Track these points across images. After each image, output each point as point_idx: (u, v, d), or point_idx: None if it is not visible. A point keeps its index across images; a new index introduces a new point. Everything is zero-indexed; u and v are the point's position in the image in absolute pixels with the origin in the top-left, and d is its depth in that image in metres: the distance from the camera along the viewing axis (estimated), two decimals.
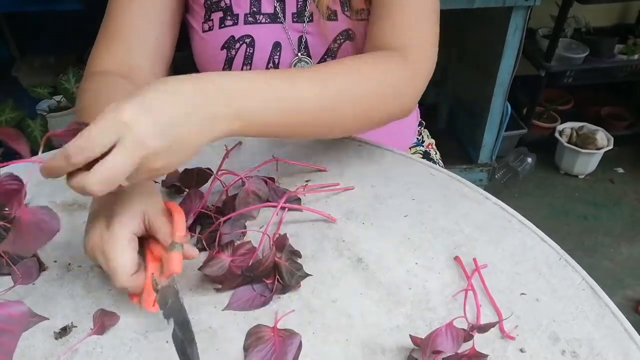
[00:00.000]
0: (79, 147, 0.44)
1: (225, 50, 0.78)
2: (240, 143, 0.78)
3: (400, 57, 0.68)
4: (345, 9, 0.77)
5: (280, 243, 0.60)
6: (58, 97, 1.82)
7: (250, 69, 0.79)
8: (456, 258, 0.62)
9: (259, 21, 0.78)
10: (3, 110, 1.64)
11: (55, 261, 0.61)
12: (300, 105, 0.58)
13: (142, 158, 0.45)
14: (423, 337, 0.51)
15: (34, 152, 0.78)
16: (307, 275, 0.59)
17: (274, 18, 0.78)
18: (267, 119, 0.55)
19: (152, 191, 0.57)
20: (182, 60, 0.82)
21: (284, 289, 0.57)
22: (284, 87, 0.56)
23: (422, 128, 1.10)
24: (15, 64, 2.15)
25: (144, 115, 0.45)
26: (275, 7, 0.78)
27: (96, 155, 0.44)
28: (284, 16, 0.78)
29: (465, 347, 0.51)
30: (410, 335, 0.51)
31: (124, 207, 0.53)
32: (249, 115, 0.53)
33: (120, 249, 0.51)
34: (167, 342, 0.53)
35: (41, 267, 0.60)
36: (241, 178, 0.68)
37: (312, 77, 0.58)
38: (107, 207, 0.54)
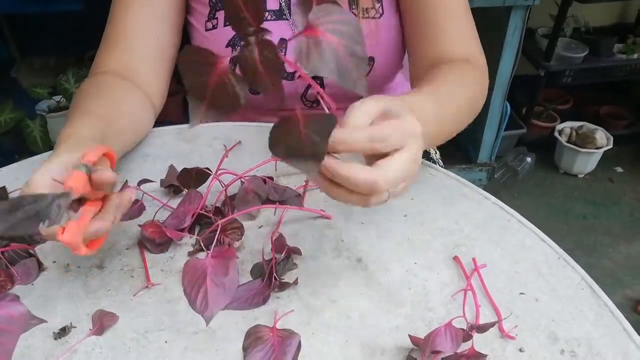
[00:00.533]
0: (384, 136, 0.47)
1: (230, 48, 0.78)
2: (239, 142, 0.78)
3: (471, 64, 0.74)
4: (353, 7, 0.77)
5: (279, 243, 0.60)
6: (57, 98, 1.82)
7: None
8: (455, 258, 0.62)
9: (264, 18, 0.78)
10: (3, 110, 1.64)
11: (54, 262, 0.61)
12: (450, 120, 0.66)
13: (415, 162, 0.49)
14: (422, 337, 0.51)
15: (34, 153, 0.79)
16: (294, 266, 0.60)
17: (279, 15, 0.78)
18: (434, 133, 0.61)
19: (80, 137, 0.56)
20: None
21: (282, 286, 0.57)
22: (442, 112, 0.62)
23: None
24: (15, 65, 2.15)
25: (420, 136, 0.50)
26: (280, 3, 0.78)
27: (388, 150, 0.47)
28: (290, 12, 0.78)
29: (464, 347, 0.51)
30: (409, 335, 0.51)
31: (50, 157, 0.52)
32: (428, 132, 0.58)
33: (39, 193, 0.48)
34: (166, 342, 0.53)
35: (40, 267, 0.60)
36: (240, 177, 0.68)
37: (449, 98, 0.65)
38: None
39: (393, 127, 0.47)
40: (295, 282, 0.58)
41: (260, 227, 0.65)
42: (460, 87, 0.69)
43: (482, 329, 0.52)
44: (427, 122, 0.54)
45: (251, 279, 0.59)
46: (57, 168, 0.50)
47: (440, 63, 0.74)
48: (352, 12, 0.78)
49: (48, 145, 1.65)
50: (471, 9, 0.80)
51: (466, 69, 0.72)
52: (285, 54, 0.79)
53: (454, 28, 0.75)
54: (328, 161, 0.46)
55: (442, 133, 0.65)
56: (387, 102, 0.50)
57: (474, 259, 0.61)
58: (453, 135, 0.69)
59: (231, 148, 0.77)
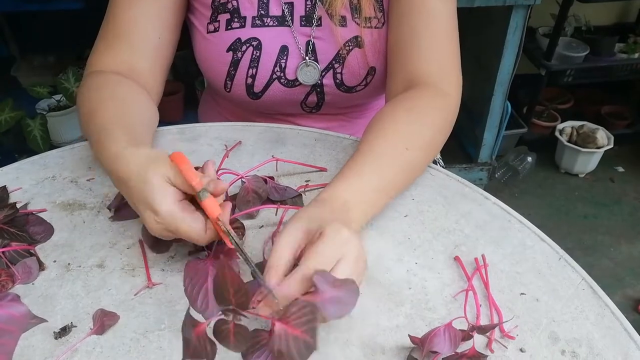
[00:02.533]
0: (321, 261, 0.49)
1: (231, 52, 0.77)
2: (239, 142, 0.78)
3: (436, 93, 0.72)
4: (355, 16, 0.77)
5: None
6: (58, 97, 1.82)
7: (256, 72, 0.78)
8: (456, 258, 0.62)
9: (266, 24, 0.77)
10: (2, 109, 1.63)
11: (54, 261, 0.61)
12: (393, 187, 0.65)
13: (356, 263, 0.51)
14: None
15: (34, 152, 0.79)
16: None
17: (281, 21, 0.78)
18: (377, 202, 0.63)
19: (152, 155, 0.57)
20: (182, 60, 0.82)
21: None
22: (381, 184, 0.63)
23: None
24: (15, 64, 2.15)
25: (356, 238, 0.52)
26: (283, 10, 0.77)
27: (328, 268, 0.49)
28: (292, 19, 0.78)
29: (465, 346, 0.51)
30: (409, 335, 0.51)
31: (150, 189, 0.53)
32: (371, 209, 0.62)
33: (180, 222, 0.52)
34: (166, 342, 0.53)
35: (41, 266, 0.60)
36: (241, 177, 0.68)
37: (392, 162, 0.64)
38: (137, 199, 0.55)
39: (319, 254, 0.49)
40: None
41: (260, 227, 0.65)
42: (409, 141, 0.66)
43: (483, 330, 0.52)
44: (361, 198, 0.59)
45: (252, 279, 0.59)
46: (171, 191, 0.54)
47: (413, 83, 0.73)
48: (355, 22, 0.77)
49: (48, 144, 1.65)
50: (472, 8, 0.80)
51: (424, 107, 0.70)
52: (286, 62, 0.79)
53: (433, 47, 0.73)
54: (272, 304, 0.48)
55: (387, 196, 0.64)
56: (304, 223, 0.52)
57: (476, 259, 0.61)
58: (406, 187, 0.69)
59: (232, 148, 0.77)
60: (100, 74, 0.72)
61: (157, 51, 0.76)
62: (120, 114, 0.65)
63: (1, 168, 0.74)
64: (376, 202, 0.62)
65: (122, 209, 0.65)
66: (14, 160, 0.76)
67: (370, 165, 0.62)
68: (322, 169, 0.74)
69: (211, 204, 0.53)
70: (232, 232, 0.53)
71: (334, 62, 0.79)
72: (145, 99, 0.72)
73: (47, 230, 0.64)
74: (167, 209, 0.52)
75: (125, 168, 0.56)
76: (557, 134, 2.21)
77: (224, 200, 0.57)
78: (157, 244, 0.62)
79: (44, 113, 1.78)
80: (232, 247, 0.54)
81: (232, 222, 0.63)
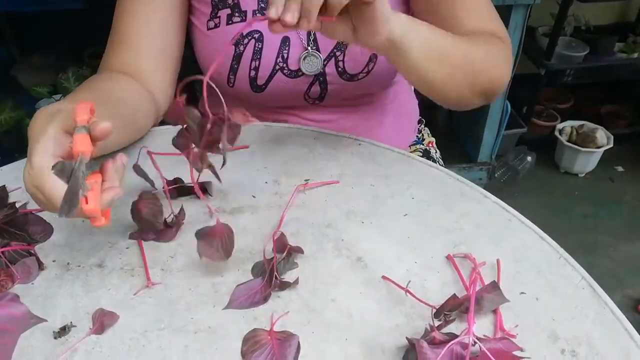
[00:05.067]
0: None
1: (233, 47, 0.78)
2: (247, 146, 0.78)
3: (496, 38, 0.75)
4: None
5: (281, 242, 0.60)
6: (58, 97, 1.81)
7: (259, 64, 0.79)
8: (448, 256, 0.61)
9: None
10: (3, 109, 1.63)
11: (54, 261, 0.61)
12: (446, 48, 0.67)
13: None
14: (420, 337, 0.51)
15: None
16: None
17: None
18: (427, 40, 0.65)
19: (58, 108, 0.55)
20: (182, 60, 0.82)
21: (283, 285, 0.57)
22: (439, 34, 0.66)
23: (423, 126, 1.10)
24: (15, 64, 2.14)
25: None
26: None
27: None
28: None
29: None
30: (407, 338, 0.51)
31: (38, 137, 0.50)
32: (418, 30, 0.64)
33: (46, 177, 0.48)
34: (166, 341, 0.53)
35: (40, 266, 0.60)
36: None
37: (453, 37, 0.68)
38: (28, 149, 0.52)
39: None
40: (296, 282, 0.58)
41: (260, 227, 0.65)
42: (472, 41, 0.70)
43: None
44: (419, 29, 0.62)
45: (252, 278, 0.59)
46: (52, 144, 0.50)
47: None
48: None
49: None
50: None
51: (489, 37, 0.74)
52: (288, 52, 0.79)
53: (474, 9, 0.76)
54: None
55: (437, 48, 0.66)
56: None
57: (473, 258, 0.61)
58: (459, 74, 0.70)
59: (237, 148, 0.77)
60: (104, 72, 0.73)
61: (163, 53, 0.76)
62: (87, 92, 0.65)
63: (1, 167, 0.74)
64: (422, 33, 0.64)
65: None
66: (14, 159, 0.76)
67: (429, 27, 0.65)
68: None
69: (81, 140, 0.49)
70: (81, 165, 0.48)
71: (335, 50, 0.80)
72: (139, 95, 0.72)
73: (47, 230, 0.64)
74: (39, 162, 0.49)
75: (37, 116, 0.54)
76: (556, 133, 2.21)
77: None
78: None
79: None
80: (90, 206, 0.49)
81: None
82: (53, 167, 0.48)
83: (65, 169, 0.48)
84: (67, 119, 0.51)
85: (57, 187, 0.48)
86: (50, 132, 0.50)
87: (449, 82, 0.70)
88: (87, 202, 0.48)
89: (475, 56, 0.71)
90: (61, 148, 0.51)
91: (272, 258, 0.58)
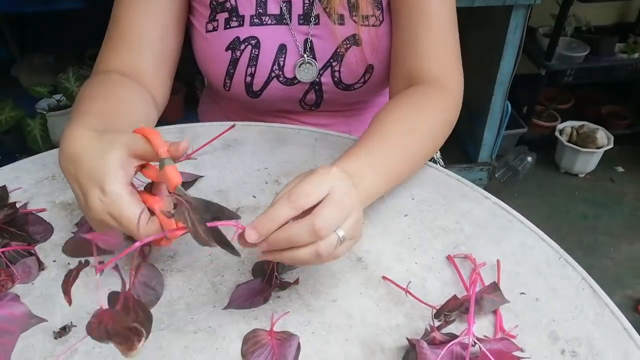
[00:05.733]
0: (301, 194, 0.49)
1: (230, 51, 0.78)
2: (233, 125, 0.78)
3: (437, 89, 0.73)
4: (353, 14, 0.77)
5: None
6: (58, 96, 1.82)
7: (255, 70, 0.78)
8: (448, 257, 0.61)
9: (264, 22, 0.77)
10: (3, 109, 1.63)
11: (54, 261, 0.61)
12: (397, 167, 0.65)
13: (348, 199, 0.51)
14: (421, 337, 0.51)
15: (34, 152, 0.79)
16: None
17: (279, 19, 0.78)
18: (376, 183, 0.61)
19: (117, 137, 0.54)
20: (182, 60, 0.82)
21: (283, 286, 0.57)
22: (385, 162, 0.63)
23: None
24: (15, 63, 2.14)
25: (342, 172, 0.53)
26: (281, 8, 0.77)
27: (315, 202, 0.49)
28: (290, 18, 0.78)
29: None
30: (407, 338, 0.51)
31: (105, 165, 0.51)
32: (369, 187, 0.60)
33: (125, 205, 0.50)
34: (166, 341, 0.53)
35: (40, 266, 0.60)
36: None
37: (397, 146, 0.65)
38: (87, 176, 0.52)
39: (308, 183, 0.49)
40: (296, 282, 0.58)
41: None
42: (413, 129, 0.67)
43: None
44: (368, 176, 0.58)
45: (252, 278, 0.59)
46: (123, 173, 0.51)
47: (415, 80, 0.74)
48: (353, 20, 0.77)
49: (48, 143, 1.65)
50: (472, 8, 0.80)
51: (425, 103, 0.71)
52: (285, 60, 0.79)
53: (433, 45, 0.74)
54: (261, 224, 0.48)
55: (390, 179, 0.64)
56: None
57: (474, 259, 0.61)
58: (407, 176, 0.69)
59: (226, 131, 0.77)
60: (103, 74, 0.72)
61: (161, 53, 0.76)
62: (104, 103, 0.64)
63: (1, 168, 0.74)
64: (380, 182, 0.62)
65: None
66: (15, 159, 0.76)
67: (377, 144, 0.63)
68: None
69: (173, 172, 0.50)
70: (190, 200, 0.48)
71: (332, 60, 0.79)
72: (142, 97, 0.71)
73: (47, 230, 0.64)
74: (116, 189, 0.50)
75: (81, 143, 0.53)
76: (557, 133, 2.21)
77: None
78: (76, 249, 0.61)
79: (44, 113, 1.78)
80: (180, 232, 0.50)
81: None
82: (174, 212, 0.48)
83: (183, 211, 0.48)
84: (132, 142, 0.52)
85: (135, 211, 0.50)
86: (117, 162, 0.50)
87: (412, 173, 0.71)
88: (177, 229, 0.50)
89: (425, 145, 0.69)
90: (129, 176, 0.52)
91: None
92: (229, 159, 0.76)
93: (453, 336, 0.51)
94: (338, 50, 0.78)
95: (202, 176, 0.72)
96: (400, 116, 0.68)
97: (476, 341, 0.49)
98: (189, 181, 0.71)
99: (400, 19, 0.76)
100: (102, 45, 0.76)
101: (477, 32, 1.85)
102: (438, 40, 0.74)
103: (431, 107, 0.71)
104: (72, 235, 0.63)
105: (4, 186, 0.69)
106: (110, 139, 0.52)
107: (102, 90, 0.68)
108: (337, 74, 0.80)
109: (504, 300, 0.56)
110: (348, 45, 0.78)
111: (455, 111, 0.75)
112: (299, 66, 0.79)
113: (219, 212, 0.46)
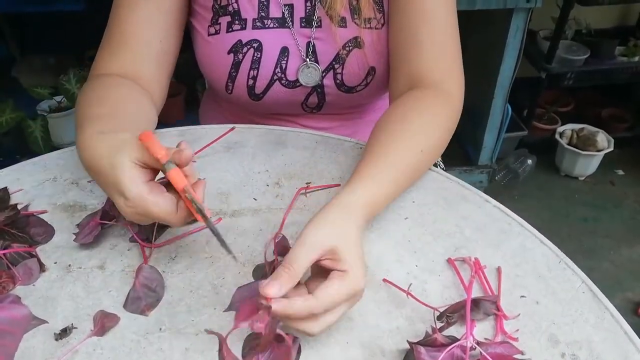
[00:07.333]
0: (330, 301, 0.49)
1: (232, 55, 0.78)
2: (233, 128, 0.78)
3: (439, 94, 0.74)
4: (355, 17, 0.77)
5: (282, 246, 0.60)
6: (59, 98, 1.82)
7: (257, 73, 0.79)
8: (449, 260, 0.62)
9: (267, 26, 0.77)
10: (3, 110, 1.63)
11: (55, 262, 0.61)
12: (402, 183, 0.67)
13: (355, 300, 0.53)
14: (422, 340, 0.51)
15: (35, 154, 0.79)
16: None
17: (282, 23, 0.78)
18: (385, 204, 0.65)
19: (123, 143, 0.55)
20: (183, 62, 0.82)
21: None
22: (394, 188, 0.65)
23: None
24: (16, 65, 2.15)
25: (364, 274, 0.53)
26: (283, 12, 0.78)
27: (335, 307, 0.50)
28: (292, 21, 0.78)
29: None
30: (408, 342, 0.51)
31: (118, 174, 0.52)
32: (378, 211, 0.64)
33: (151, 205, 0.51)
34: (167, 343, 0.53)
35: (41, 268, 0.60)
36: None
37: (407, 167, 0.66)
38: (107, 185, 0.54)
39: (337, 293, 0.50)
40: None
41: (261, 230, 0.65)
42: (423, 144, 0.68)
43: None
44: (374, 202, 0.60)
45: (253, 280, 0.59)
46: (138, 172, 0.52)
47: (416, 83, 0.74)
48: (355, 23, 0.77)
49: (49, 145, 1.65)
50: (473, 11, 0.80)
51: (426, 108, 0.71)
52: (287, 63, 0.79)
53: (434, 48, 0.74)
54: (281, 308, 0.48)
55: (395, 197, 0.66)
56: (319, 248, 0.51)
57: (475, 262, 0.61)
58: (424, 170, 0.72)
59: (224, 134, 0.77)
60: (103, 77, 0.72)
61: (159, 56, 0.76)
62: (108, 106, 0.65)
63: (2, 169, 0.74)
64: (385, 203, 0.64)
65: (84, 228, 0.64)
66: (16, 161, 0.76)
67: (386, 171, 0.64)
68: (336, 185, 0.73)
69: (176, 175, 0.51)
70: (199, 201, 0.52)
71: (334, 62, 0.80)
72: (143, 99, 0.72)
73: (48, 232, 0.64)
74: (136, 192, 0.51)
75: (95, 153, 0.55)
76: (557, 136, 2.21)
77: (198, 179, 0.56)
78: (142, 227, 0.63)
79: (45, 114, 1.79)
80: (203, 222, 0.53)
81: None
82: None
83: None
84: (137, 151, 0.52)
85: (161, 205, 0.52)
86: (128, 163, 0.52)
87: (415, 181, 0.71)
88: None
89: (428, 158, 0.70)
90: (145, 174, 0.53)
91: (273, 260, 0.59)
92: (229, 162, 0.76)
93: (454, 339, 0.51)
94: (340, 52, 0.79)
95: (203, 179, 0.72)
96: (411, 129, 0.68)
97: (476, 345, 0.49)
98: None
99: (399, 19, 0.76)
100: (100, 47, 0.75)
101: (477, 35, 1.85)
102: (440, 43, 0.74)
103: (438, 112, 0.72)
104: (74, 236, 0.63)
105: (5, 188, 0.69)
106: (117, 146, 0.53)
107: (104, 93, 0.68)
108: (339, 76, 0.81)
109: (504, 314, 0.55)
110: (350, 48, 0.78)
111: (457, 117, 0.75)
112: (302, 70, 0.79)
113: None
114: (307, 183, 0.72)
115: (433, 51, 0.74)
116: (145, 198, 0.51)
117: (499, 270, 0.61)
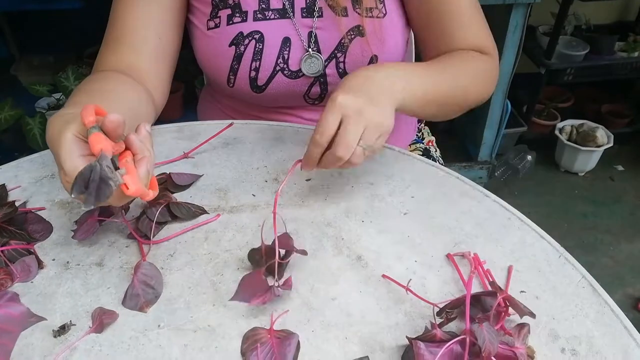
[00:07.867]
0: (322, 132, 0.60)
1: (233, 47, 0.78)
2: (231, 124, 0.78)
3: (482, 54, 0.81)
4: (356, 6, 0.77)
5: (285, 242, 0.60)
6: (57, 95, 1.81)
7: (259, 65, 0.79)
8: (448, 255, 0.61)
9: (268, 17, 0.77)
10: (2, 108, 1.63)
11: (53, 259, 0.61)
12: (439, 87, 0.72)
13: (359, 116, 0.60)
14: (421, 335, 0.51)
15: (33, 151, 0.79)
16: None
17: (283, 13, 0.78)
18: (422, 92, 0.69)
19: (73, 114, 0.54)
20: (181, 60, 0.82)
21: (283, 284, 0.57)
22: (429, 76, 0.72)
23: (423, 125, 1.10)
24: (15, 62, 2.14)
25: (348, 93, 0.61)
26: (284, 2, 0.78)
27: (333, 133, 0.60)
28: (293, 11, 0.78)
29: None
30: (407, 337, 0.51)
31: (59, 147, 0.51)
32: (412, 87, 0.68)
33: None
34: (165, 340, 0.53)
35: (39, 265, 0.60)
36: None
37: (442, 69, 0.74)
38: (53, 153, 0.53)
39: (324, 120, 0.60)
40: (302, 251, 0.58)
41: (259, 226, 0.65)
42: (464, 63, 0.76)
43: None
44: (409, 81, 0.67)
45: (251, 266, 0.58)
46: (75, 147, 0.51)
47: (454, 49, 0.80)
48: (356, 12, 0.77)
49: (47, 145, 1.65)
50: None
51: (476, 55, 0.79)
52: (289, 53, 0.79)
53: (465, 24, 0.79)
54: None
55: (427, 92, 0.70)
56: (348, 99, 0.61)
57: (475, 256, 0.61)
58: (451, 106, 0.77)
59: (225, 128, 0.76)
60: (101, 72, 0.73)
61: (159, 52, 0.76)
62: (92, 95, 0.65)
63: (0, 166, 0.74)
64: (417, 91, 0.68)
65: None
66: (14, 158, 0.76)
67: (433, 76, 0.71)
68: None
69: (94, 139, 0.49)
70: (106, 159, 0.49)
71: (336, 51, 0.79)
72: (139, 94, 0.71)
73: (46, 229, 0.64)
74: (70, 165, 0.50)
75: (53, 128, 0.54)
76: (557, 132, 2.21)
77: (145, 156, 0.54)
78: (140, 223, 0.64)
79: (44, 111, 1.78)
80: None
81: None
82: (74, 181, 0.49)
83: (84, 172, 0.49)
84: (81, 124, 0.51)
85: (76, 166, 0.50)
86: (69, 136, 0.51)
87: (441, 115, 0.77)
88: (127, 188, 0.50)
89: (464, 83, 0.76)
90: (85, 148, 0.51)
91: (271, 249, 0.58)
92: (228, 158, 0.76)
93: (454, 334, 0.51)
94: (342, 41, 0.79)
95: (202, 175, 0.72)
96: (444, 56, 0.77)
97: (475, 341, 0.48)
98: (188, 184, 0.70)
99: (424, 5, 0.79)
100: (102, 44, 0.76)
101: None
102: (469, 18, 0.80)
103: (475, 58, 0.79)
104: (72, 233, 0.63)
105: (3, 185, 0.69)
106: (69, 120, 0.52)
107: (98, 86, 0.68)
108: (341, 65, 0.80)
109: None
110: (352, 36, 0.78)
111: (497, 71, 0.83)
112: (305, 60, 0.79)
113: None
114: (306, 180, 0.72)
115: (464, 30, 0.80)
116: (76, 169, 0.49)
117: (509, 269, 0.60)
